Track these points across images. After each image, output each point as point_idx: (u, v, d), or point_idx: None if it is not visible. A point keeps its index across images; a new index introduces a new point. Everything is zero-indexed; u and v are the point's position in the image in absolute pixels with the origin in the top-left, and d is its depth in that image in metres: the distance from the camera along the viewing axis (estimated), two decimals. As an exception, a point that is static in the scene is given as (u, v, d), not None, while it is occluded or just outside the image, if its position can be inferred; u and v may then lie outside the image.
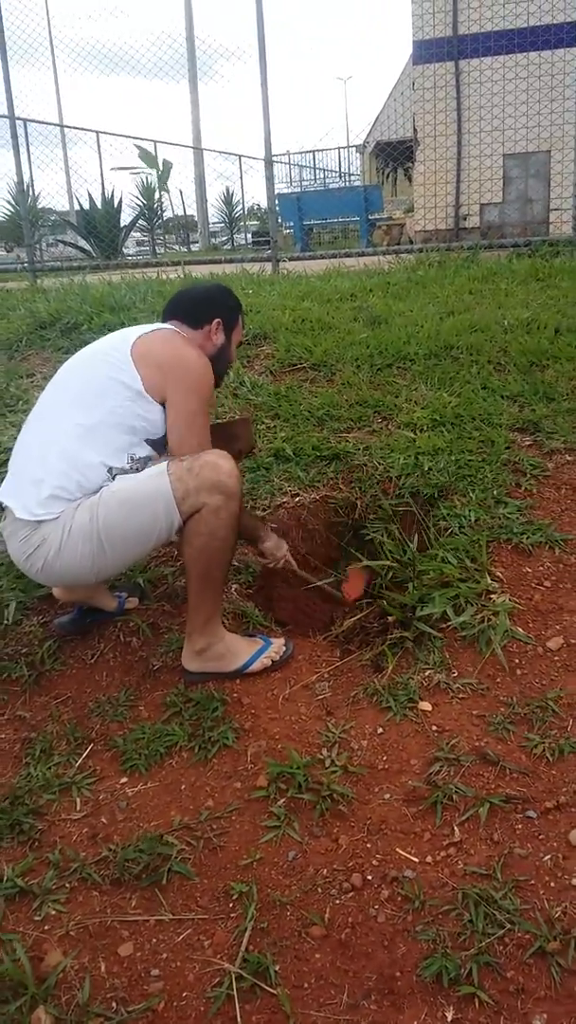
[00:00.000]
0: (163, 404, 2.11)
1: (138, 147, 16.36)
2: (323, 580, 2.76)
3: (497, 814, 1.76)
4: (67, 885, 1.67)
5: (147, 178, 17.56)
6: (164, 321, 2.33)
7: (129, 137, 15.54)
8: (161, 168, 17.43)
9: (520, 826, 1.73)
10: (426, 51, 9.62)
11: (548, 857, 1.65)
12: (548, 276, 5.49)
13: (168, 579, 2.68)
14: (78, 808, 1.88)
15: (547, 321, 4.11)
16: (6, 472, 2.15)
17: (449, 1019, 1.39)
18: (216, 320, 2.30)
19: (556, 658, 2.17)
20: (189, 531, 2.06)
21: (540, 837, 1.70)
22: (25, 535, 2.01)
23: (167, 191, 17.77)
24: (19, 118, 8.39)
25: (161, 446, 2.16)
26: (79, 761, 2.02)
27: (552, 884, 1.59)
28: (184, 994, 1.46)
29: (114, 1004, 1.44)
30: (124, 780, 1.95)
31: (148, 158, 17.06)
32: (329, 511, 2.99)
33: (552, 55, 8.98)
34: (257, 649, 2.25)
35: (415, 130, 9.78)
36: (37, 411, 2.17)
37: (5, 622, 2.41)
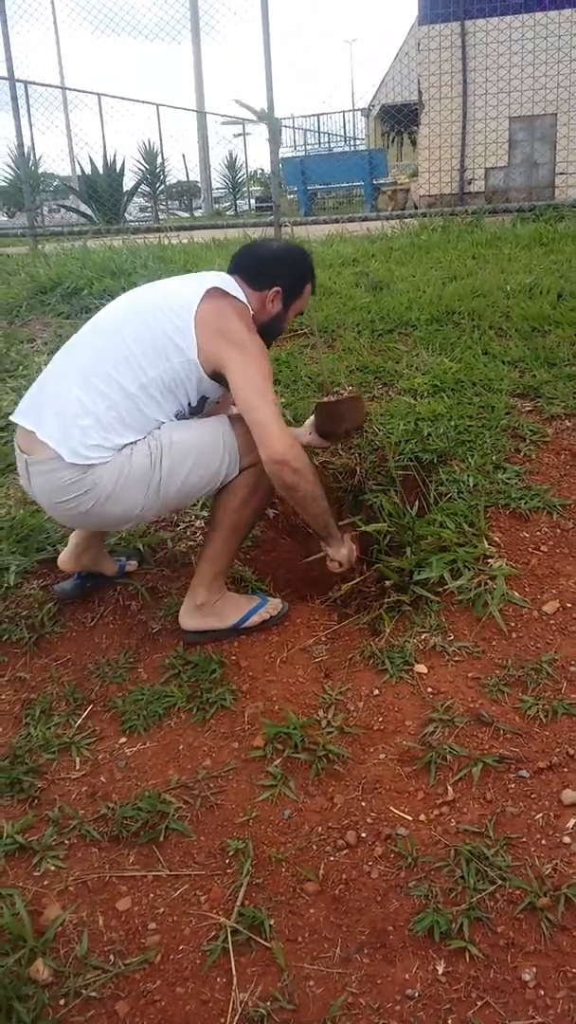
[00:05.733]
0: (212, 376, 2.08)
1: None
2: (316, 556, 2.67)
3: (490, 774, 1.78)
4: (66, 842, 1.70)
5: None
6: (230, 271, 2.26)
7: (132, 100, 15.28)
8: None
9: (513, 785, 1.75)
10: (431, 11, 9.40)
11: (540, 816, 1.67)
12: (552, 241, 5.43)
13: (168, 544, 2.69)
14: (77, 767, 1.90)
15: (549, 286, 4.07)
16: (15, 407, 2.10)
17: (440, 972, 1.42)
18: (276, 288, 2.22)
19: (551, 622, 2.19)
20: (237, 483, 2.13)
21: (532, 796, 1.72)
22: (73, 478, 1.97)
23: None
24: (19, 80, 8.28)
25: (200, 412, 2.19)
26: (78, 722, 2.04)
27: (543, 842, 1.62)
28: (180, 947, 1.49)
29: (111, 957, 1.47)
30: (123, 740, 1.98)
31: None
32: (328, 477, 2.99)
33: (559, 15, 8.74)
34: (254, 605, 2.29)
35: (420, 93, 9.60)
36: (84, 347, 2.10)
37: (6, 585, 2.42)
